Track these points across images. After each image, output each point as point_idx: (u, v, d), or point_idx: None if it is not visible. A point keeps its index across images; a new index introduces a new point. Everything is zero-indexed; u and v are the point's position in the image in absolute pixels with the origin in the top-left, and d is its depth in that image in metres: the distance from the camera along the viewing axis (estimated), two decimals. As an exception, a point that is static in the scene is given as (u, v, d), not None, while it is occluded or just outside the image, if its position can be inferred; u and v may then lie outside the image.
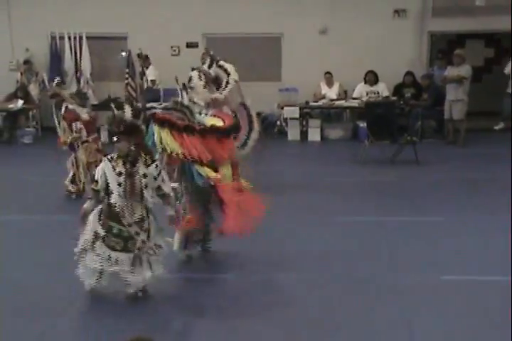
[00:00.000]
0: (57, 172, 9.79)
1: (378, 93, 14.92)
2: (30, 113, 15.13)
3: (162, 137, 6.19)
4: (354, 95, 15.13)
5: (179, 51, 16.03)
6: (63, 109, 9.45)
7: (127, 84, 15.12)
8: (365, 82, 15.10)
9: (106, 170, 5.53)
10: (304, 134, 14.84)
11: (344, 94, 15.47)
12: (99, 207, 5.64)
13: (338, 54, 15.46)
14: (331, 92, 15.37)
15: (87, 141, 9.40)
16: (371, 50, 15.36)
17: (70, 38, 15.71)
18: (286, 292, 5.92)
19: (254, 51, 16.07)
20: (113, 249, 5.57)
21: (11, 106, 14.78)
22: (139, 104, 14.73)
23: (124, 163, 5.49)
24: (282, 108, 15.12)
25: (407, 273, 6.26)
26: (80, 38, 15.70)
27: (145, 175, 5.54)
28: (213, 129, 6.41)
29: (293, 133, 14.82)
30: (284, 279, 6.20)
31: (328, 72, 15.31)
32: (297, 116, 14.82)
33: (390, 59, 15.28)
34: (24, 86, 15.17)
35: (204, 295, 5.86)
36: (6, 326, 5.21)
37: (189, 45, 16.01)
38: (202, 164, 6.23)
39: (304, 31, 15.62)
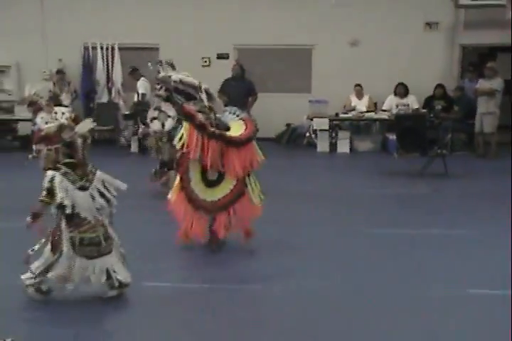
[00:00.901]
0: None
1: (408, 105, 14.89)
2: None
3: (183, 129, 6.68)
4: (384, 107, 15.11)
5: (210, 62, 16.15)
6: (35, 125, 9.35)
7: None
8: (395, 95, 15.08)
9: None
10: (333, 146, 14.86)
11: (374, 107, 15.47)
12: None
13: (369, 66, 15.51)
14: (361, 104, 15.38)
15: (50, 150, 9.20)
16: (402, 62, 15.38)
17: (102, 49, 15.91)
18: (311, 303, 5.90)
19: (285, 63, 16.16)
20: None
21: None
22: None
23: None
24: (312, 119, 15.16)
25: (433, 285, 6.20)
26: (112, 48, 15.89)
27: None
28: (222, 136, 6.74)
29: (322, 145, 14.84)
30: (307, 289, 6.18)
31: (358, 85, 15.33)
32: (327, 127, 14.85)
33: (420, 71, 15.30)
34: (56, 95, 15.29)
35: (229, 307, 5.85)
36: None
37: (220, 56, 16.13)
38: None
39: (335, 43, 15.69)
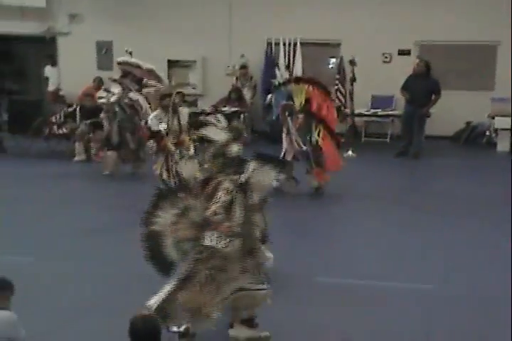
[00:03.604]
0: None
1: None
2: (242, 116, 15.71)
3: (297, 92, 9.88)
4: None
5: (391, 58, 16.07)
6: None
7: (337, 90, 15.38)
8: None
9: None
10: (514, 146, 14.40)
11: (561, 106, 14.84)
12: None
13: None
14: (548, 103, 14.79)
15: None
16: None
17: (284, 44, 16.18)
18: (485, 308, 5.81)
19: (467, 59, 15.79)
20: None
21: (224, 109, 15.44)
22: (347, 110, 14.98)
23: None
24: (493, 118, 14.75)
25: None
26: (295, 44, 16.12)
27: None
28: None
29: (502, 145, 14.42)
30: (481, 293, 6.10)
31: (547, 81, 14.75)
32: (509, 126, 14.39)
33: None
34: (238, 89, 15.79)
35: (399, 307, 5.89)
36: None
37: (401, 53, 16.01)
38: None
39: (522, 39, 15.15)
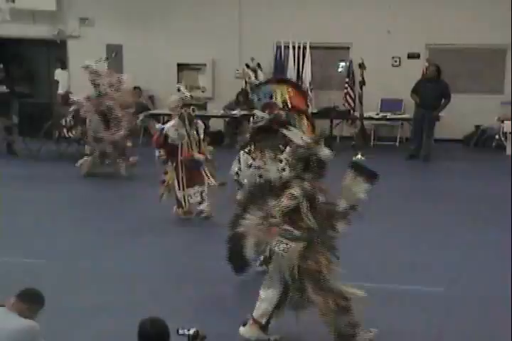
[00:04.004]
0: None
1: None
2: (252, 119, 15.68)
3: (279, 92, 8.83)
4: None
5: (400, 62, 16.06)
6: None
7: (346, 93, 15.40)
8: None
9: None
10: (523, 149, 14.35)
11: None
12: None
13: None
14: (558, 106, 14.76)
15: None
16: None
17: (294, 48, 16.20)
18: (494, 312, 5.80)
19: (477, 63, 15.75)
20: None
21: (234, 112, 15.46)
22: (356, 114, 14.99)
23: None
24: (503, 121, 14.73)
25: None
26: (304, 47, 16.15)
27: None
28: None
29: (512, 148, 14.40)
30: (492, 297, 6.09)
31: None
32: (518, 130, 14.38)
33: None
34: (246, 93, 15.77)
35: (404, 309, 5.87)
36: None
37: (410, 56, 15.98)
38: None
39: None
